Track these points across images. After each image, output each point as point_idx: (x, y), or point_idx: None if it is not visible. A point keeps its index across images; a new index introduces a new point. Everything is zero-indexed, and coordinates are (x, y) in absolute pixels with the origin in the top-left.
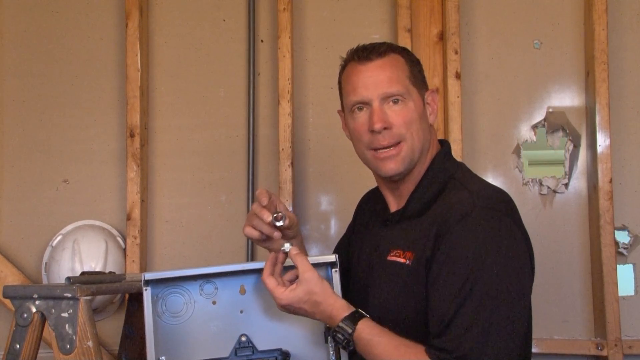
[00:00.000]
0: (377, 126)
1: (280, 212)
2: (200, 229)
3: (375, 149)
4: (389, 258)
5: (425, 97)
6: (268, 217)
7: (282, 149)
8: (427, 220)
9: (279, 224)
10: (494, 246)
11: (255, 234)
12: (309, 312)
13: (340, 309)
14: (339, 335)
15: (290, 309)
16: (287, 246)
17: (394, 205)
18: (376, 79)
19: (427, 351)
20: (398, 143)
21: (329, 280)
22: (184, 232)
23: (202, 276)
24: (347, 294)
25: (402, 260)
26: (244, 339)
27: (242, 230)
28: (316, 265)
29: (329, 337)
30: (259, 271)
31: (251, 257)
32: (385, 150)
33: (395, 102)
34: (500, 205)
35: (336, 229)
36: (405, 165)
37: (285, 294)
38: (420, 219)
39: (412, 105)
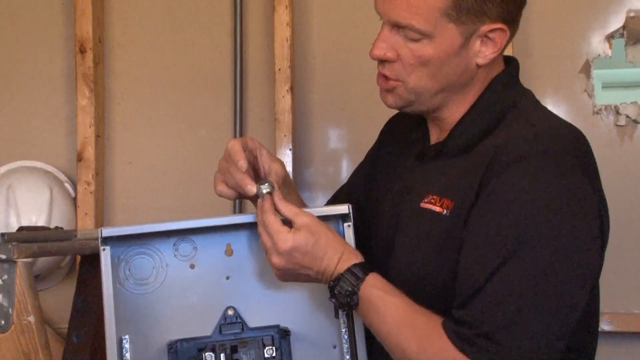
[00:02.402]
0: (373, 54)
1: (267, 183)
2: (174, 173)
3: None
4: (423, 205)
5: (481, 31)
6: (252, 190)
7: (279, 70)
8: (474, 159)
9: (265, 190)
10: (554, 202)
11: (230, 194)
12: (314, 263)
13: (352, 254)
14: (343, 284)
15: (291, 269)
16: (264, 188)
17: (435, 135)
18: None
19: (443, 324)
20: (396, 79)
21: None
22: (153, 177)
23: (177, 232)
24: (365, 251)
25: (438, 209)
26: (231, 312)
27: (214, 188)
28: (323, 219)
29: (331, 291)
30: (250, 226)
31: (240, 208)
32: (382, 79)
33: (412, 38)
34: (571, 150)
35: (348, 172)
36: (405, 104)
37: (290, 235)
38: (465, 157)
39: (437, 44)
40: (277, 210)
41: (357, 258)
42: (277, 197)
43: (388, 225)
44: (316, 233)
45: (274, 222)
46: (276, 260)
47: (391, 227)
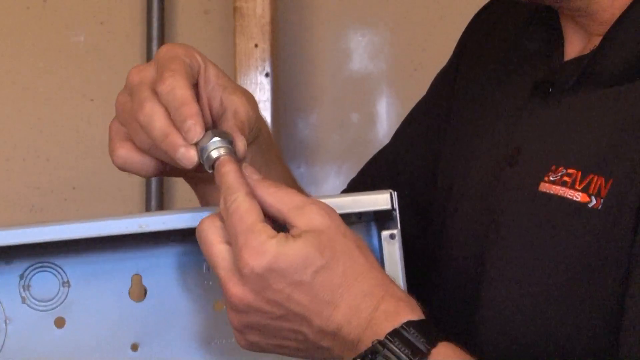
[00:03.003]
0: None
1: (217, 137)
2: (15, 125)
3: None
4: (544, 187)
5: None
6: (188, 157)
7: None
8: None
9: (216, 153)
10: None
11: (142, 164)
12: (315, 310)
13: (402, 300)
14: None
15: (263, 315)
16: (213, 146)
17: (574, 45)
18: None
19: None
20: None
21: (376, 257)
22: None
23: (28, 251)
24: (424, 288)
25: (578, 195)
26: None
27: (111, 154)
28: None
29: None
30: (184, 238)
31: (160, 197)
32: None
33: None
34: None
35: (392, 124)
36: None
37: (272, 243)
38: (631, 88)
39: None
40: (255, 193)
41: (412, 310)
42: (249, 170)
43: (472, 229)
44: (330, 248)
45: (247, 210)
46: (234, 289)
47: (479, 233)
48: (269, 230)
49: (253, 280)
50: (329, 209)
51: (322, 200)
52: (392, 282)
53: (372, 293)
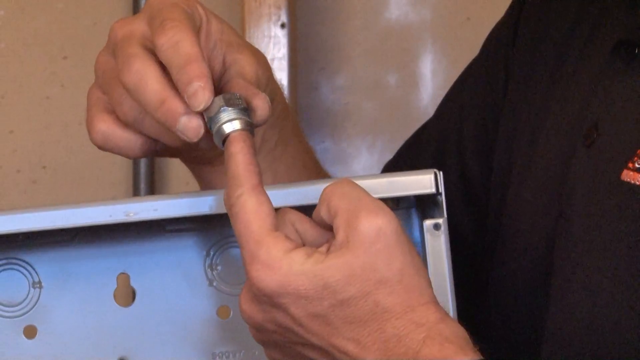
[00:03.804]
0: None
1: (223, 105)
2: None
3: None
4: (626, 177)
5: None
6: (192, 127)
7: None
8: None
9: (230, 127)
10: None
11: (128, 141)
12: (333, 344)
13: (448, 342)
14: None
15: (271, 333)
16: (225, 117)
17: None
18: None
19: None
20: None
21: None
22: None
23: None
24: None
25: None
26: None
27: (88, 129)
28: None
29: None
30: (188, 227)
31: (151, 185)
32: None
33: None
34: None
35: (439, 87)
36: None
37: (285, 262)
38: None
39: None
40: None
41: (462, 351)
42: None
43: (537, 223)
44: (362, 278)
45: (254, 213)
46: (244, 305)
47: (545, 227)
48: (281, 241)
49: (262, 299)
50: (387, 221)
51: (364, 181)
52: (440, 317)
53: (408, 336)
